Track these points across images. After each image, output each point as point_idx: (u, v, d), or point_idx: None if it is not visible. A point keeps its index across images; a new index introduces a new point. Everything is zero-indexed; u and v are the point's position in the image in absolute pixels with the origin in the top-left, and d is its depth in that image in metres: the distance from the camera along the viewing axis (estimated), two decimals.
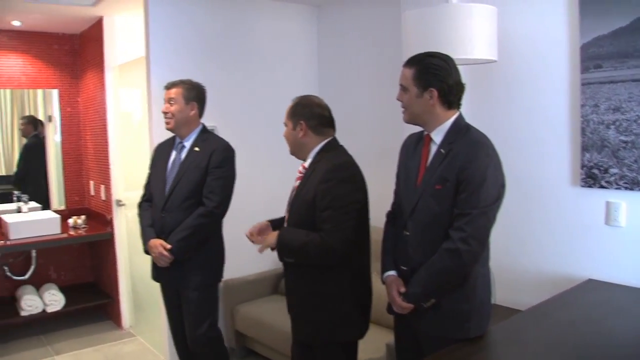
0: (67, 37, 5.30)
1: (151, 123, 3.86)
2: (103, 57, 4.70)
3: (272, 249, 2.52)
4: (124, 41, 4.69)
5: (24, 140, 5.31)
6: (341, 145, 2.58)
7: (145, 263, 4.46)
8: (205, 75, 4.02)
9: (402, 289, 2.23)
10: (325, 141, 2.53)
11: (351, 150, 2.54)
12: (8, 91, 5.14)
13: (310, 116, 2.51)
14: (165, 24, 3.88)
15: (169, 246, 3.00)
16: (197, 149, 3.09)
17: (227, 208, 3.09)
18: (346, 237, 2.38)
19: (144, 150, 4.03)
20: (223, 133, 3.95)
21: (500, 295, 3.00)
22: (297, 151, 2.59)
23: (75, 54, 5.34)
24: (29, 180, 5.35)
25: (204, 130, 3.20)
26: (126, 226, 4.81)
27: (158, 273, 3.21)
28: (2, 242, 4.46)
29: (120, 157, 4.76)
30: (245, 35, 4.24)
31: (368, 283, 2.59)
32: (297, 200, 2.52)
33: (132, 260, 4.80)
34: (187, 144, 3.13)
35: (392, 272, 2.32)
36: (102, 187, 4.96)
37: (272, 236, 2.52)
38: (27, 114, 5.29)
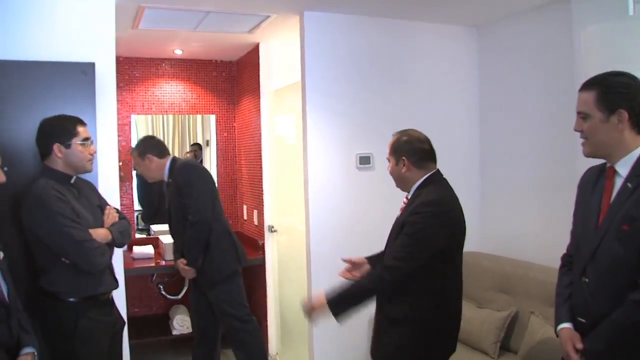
0: (224, 64, 5.47)
1: (306, 148, 3.83)
2: (259, 83, 4.76)
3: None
4: (280, 67, 4.72)
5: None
6: (444, 179, 2.55)
7: (294, 289, 4.42)
8: (361, 99, 3.94)
9: (580, 345, 1.96)
10: (428, 175, 2.51)
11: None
12: (170, 116, 5.37)
13: (412, 152, 2.50)
14: (321, 48, 3.84)
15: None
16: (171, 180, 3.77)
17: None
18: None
19: (298, 175, 4.00)
20: (379, 159, 3.81)
21: None
22: (402, 185, 2.60)
23: (232, 80, 5.49)
24: None
25: (170, 165, 3.77)
26: (277, 252, 4.79)
27: None
28: (158, 261, 4.64)
29: (274, 182, 4.76)
30: (401, 59, 4.09)
31: None
32: (393, 231, 2.53)
33: (282, 286, 4.77)
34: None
35: (567, 325, 2.08)
36: (255, 211, 5.00)
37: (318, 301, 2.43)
38: (186, 138, 5.50)
